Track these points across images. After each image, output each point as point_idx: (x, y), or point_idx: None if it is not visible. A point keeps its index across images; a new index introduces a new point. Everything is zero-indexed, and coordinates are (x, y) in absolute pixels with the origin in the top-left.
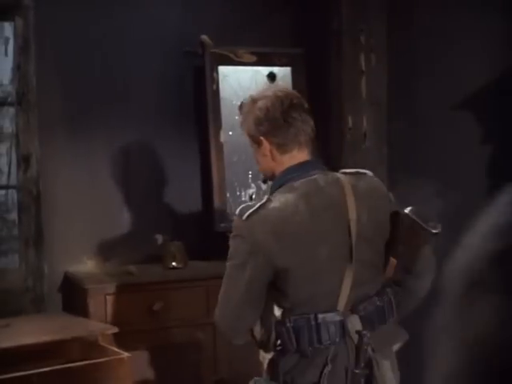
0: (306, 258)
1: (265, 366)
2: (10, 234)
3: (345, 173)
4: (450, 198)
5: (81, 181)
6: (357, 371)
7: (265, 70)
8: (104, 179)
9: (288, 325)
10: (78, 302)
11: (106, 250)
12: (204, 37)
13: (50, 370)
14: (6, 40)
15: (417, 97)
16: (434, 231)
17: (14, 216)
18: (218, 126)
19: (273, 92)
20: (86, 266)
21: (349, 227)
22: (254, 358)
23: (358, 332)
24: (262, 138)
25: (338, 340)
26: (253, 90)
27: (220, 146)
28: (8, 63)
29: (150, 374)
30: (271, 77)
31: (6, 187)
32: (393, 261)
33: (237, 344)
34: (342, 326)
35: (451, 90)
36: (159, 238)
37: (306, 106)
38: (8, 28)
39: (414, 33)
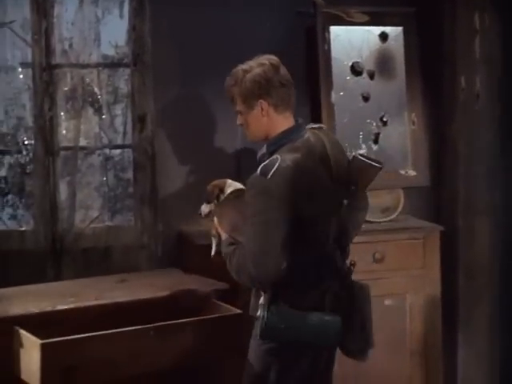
0: (319, 207)
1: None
2: (125, 192)
3: (313, 127)
4: None
5: (194, 140)
6: (343, 294)
7: (376, 30)
8: (217, 139)
9: (303, 261)
10: (192, 259)
11: None
12: None
13: (167, 324)
14: (121, 2)
15: None
16: (380, 166)
17: (129, 175)
18: (329, 87)
19: (267, 60)
20: (200, 224)
21: (332, 175)
22: None
23: (342, 261)
24: (260, 100)
25: (331, 270)
26: (364, 50)
27: (331, 107)
28: (123, 25)
29: None
30: (383, 37)
31: (122, 147)
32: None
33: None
34: (333, 258)
35: None
36: None
37: None
38: None
39: None
